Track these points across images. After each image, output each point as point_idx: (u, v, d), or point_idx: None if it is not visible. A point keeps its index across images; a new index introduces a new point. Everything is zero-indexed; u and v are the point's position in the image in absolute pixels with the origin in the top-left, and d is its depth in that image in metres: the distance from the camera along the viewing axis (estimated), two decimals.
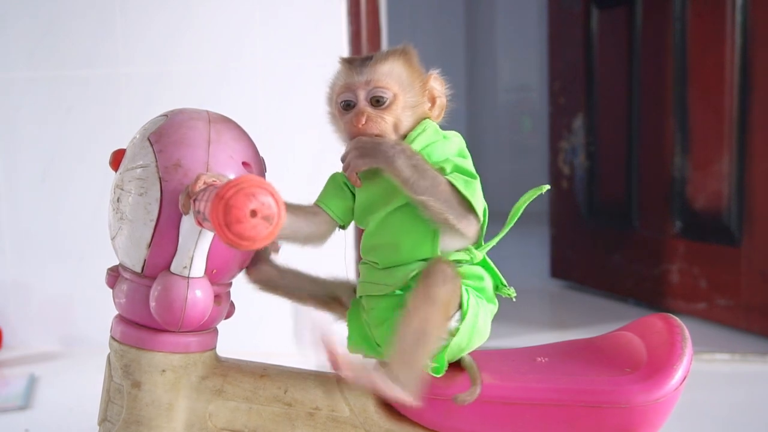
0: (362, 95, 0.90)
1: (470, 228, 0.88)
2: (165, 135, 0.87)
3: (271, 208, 0.68)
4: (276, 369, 0.94)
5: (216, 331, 0.95)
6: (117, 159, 0.91)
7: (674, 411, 0.90)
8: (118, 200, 0.88)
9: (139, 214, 0.85)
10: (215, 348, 0.94)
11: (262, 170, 0.94)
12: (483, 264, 0.93)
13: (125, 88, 2.19)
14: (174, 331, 0.87)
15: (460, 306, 0.88)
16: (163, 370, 0.88)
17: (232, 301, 0.96)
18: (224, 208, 0.67)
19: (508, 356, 1.01)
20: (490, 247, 0.93)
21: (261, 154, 0.96)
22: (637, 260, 2.58)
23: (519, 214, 0.92)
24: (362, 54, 0.94)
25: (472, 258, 0.91)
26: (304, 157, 2.03)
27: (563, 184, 2.92)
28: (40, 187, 2.27)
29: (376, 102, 0.89)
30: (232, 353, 0.97)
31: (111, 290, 0.94)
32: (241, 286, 0.99)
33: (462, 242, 0.90)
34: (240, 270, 0.95)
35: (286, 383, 0.92)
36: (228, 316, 0.96)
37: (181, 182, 0.84)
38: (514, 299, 0.96)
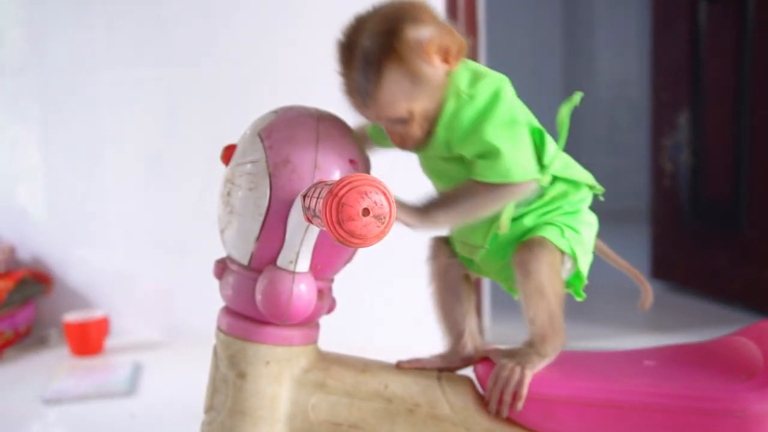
0: (382, 121, 0.88)
1: (525, 190, 0.88)
2: (275, 131, 0.88)
3: (383, 207, 0.68)
4: (377, 364, 0.94)
5: (318, 325, 0.96)
6: (228, 154, 0.93)
7: None
8: (228, 194, 0.90)
9: (248, 208, 0.87)
10: (317, 342, 0.95)
11: (367, 168, 0.94)
12: (563, 180, 0.92)
13: (226, 86, 2.25)
14: (278, 324, 0.89)
15: (565, 251, 0.90)
16: (268, 362, 0.89)
17: (333, 297, 0.97)
18: (337, 206, 0.67)
19: (613, 359, 0.98)
20: (553, 164, 0.90)
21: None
22: (744, 262, 2.47)
23: (566, 125, 0.91)
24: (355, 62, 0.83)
25: (543, 186, 0.90)
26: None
27: (665, 182, 2.82)
28: (146, 181, 2.35)
29: (398, 120, 0.87)
30: (331, 347, 0.98)
31: (216, 281, 0.96)
32: (343, 282, 1.00)
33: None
34: (343, 266, 0.95)
35: (386, 379, 0.92)
36: (329, 311, 0.97)
37: (289, 178, 0.85)
38: (601, 197, 0.98)
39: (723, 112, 2.55)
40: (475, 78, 0.87)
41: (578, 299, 0.98)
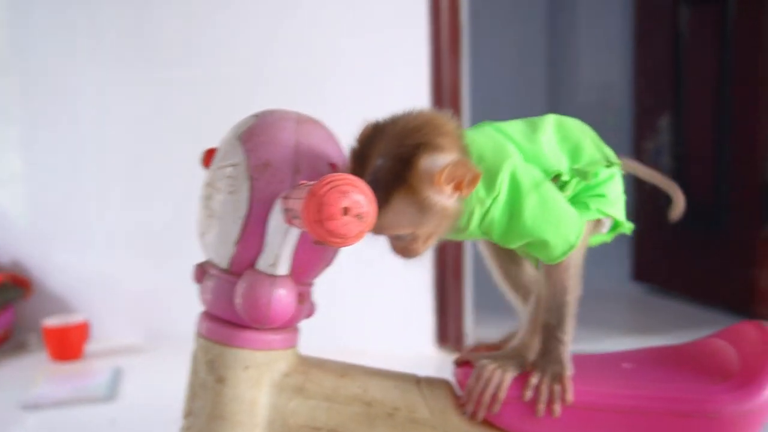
0: (384, 234, 0.84)
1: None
2: (255, 135, 0.88)
3: (363, 206, 0.68)
4: (356, 368, 0.94)
5: (298, 329, 0.96)
6: (209, 157, 0.93)
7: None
8: (208, 197, 0.89)
9: (228, 211, 0.86)
10: (297, 346, 0.95)
11: (347, 172, 0.94)
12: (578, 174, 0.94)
13: (208, 88, 2.24)
14: (258, 328, 0.88)
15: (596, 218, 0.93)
16: (247, 367, 0.89)
17: (313, 301, 0.97)
18: (317, 205, 0.67)
19: (592, 361, 0.99)
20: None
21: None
22: (726, 264, 2.49)
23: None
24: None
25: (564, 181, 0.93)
26: None
27: (646, 184, 2.83)
28: (128, 185, 2.34)
29: (400, 237, 0.84)
30: (311, 351, 0.98)
31: (196, 286, 0.96)
32: (322, 285, 0.99)
33: None
34: (323, 270, 0.95)
35: (366, 383, 0.92)
36: (309, 315, 0.97)
37: (269, 181, 0.85)
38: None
39: (704, 115, 2.57)
40: (490, 179, 0.86)
41: (629, 232, 1.01)
